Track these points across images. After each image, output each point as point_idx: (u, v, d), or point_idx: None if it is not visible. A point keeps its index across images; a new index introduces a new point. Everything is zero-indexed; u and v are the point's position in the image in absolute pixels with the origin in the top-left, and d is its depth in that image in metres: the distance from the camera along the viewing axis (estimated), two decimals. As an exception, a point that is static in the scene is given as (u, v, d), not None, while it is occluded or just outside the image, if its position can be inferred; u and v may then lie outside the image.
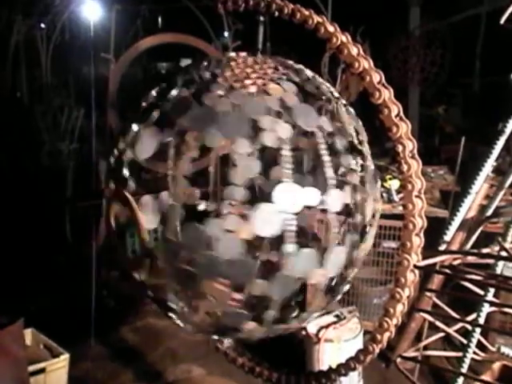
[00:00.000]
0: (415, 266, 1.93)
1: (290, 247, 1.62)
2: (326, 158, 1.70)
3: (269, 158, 1.91)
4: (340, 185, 1.72)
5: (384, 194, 4.58)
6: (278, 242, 1.66)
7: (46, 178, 6.93)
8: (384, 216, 3.98)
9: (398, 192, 4.57)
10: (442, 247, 3.46)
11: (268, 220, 1.59)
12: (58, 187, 6.71)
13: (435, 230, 3.40)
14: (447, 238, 3.55)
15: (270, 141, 1.64)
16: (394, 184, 4.65)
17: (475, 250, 2.84)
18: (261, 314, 1.74)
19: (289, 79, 1.80)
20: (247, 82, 1.75)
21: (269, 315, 1.73)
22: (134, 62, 6.23)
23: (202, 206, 2.22)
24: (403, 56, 8.33)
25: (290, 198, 1.60)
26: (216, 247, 1.59)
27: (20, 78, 8.10)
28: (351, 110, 1.95)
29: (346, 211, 1.76)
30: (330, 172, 1.69)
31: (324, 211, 1.69)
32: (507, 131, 3.40)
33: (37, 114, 7.57)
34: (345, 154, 1.78)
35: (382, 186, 4.59)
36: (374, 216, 1.89)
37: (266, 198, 1.62)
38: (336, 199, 1.69)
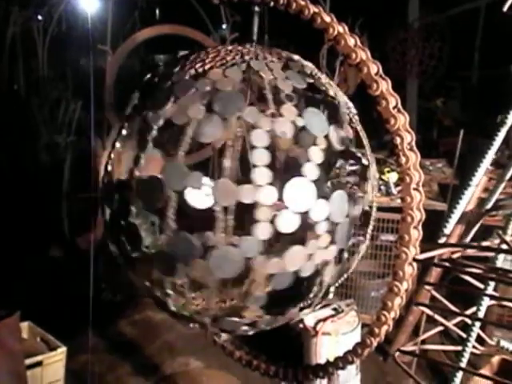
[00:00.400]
0: (414, 259, 1.92)
1: None
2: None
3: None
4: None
5: (382, 187, 4.57)
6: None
7: (42, 171, 6.91)
8: (382, 209, 3.97)
9: (396, 185, 4.56)
10: (442, 240, 3.45)
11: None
12: (54, 180, 6.68)
13: (433, 223, 3.39)
14: (447, 231, 3.54)
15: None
16: (392, 177, 4.64)
17: (475, 244, 2.82)
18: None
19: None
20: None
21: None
22: (132, 54, 6.19)
23: None
24: (402, 48, 8.29)
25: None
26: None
27: (17, 70, 8.05)
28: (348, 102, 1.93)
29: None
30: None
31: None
32: (508, 124, 3.38)
33: (34, 106, 7.54)
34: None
35: (380, 178, 4.57)
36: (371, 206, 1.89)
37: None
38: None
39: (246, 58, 1.77)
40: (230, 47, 1.83)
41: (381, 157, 5.03)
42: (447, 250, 2.23)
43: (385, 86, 1.93)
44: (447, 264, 2.12)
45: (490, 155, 3.39)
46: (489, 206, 3.32)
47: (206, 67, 1.71)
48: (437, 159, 5.63)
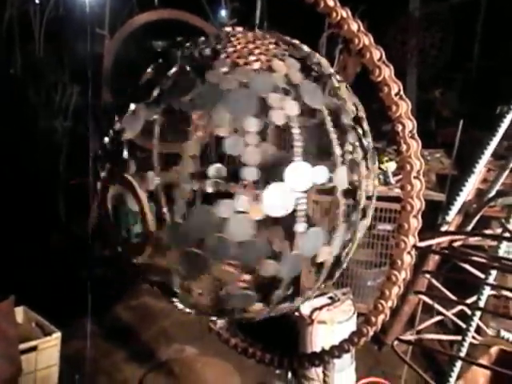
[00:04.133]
0: (415, 247, 1.90)
1: (300, 226, 1.60)
2: (333, 136, 1.66)
3: (276, 137, 1.88)
4: (346, 163, 1.69)
5: (380, 176, 4.56)
6: (287, 222, 1.63)
7: (39, 155, 6.86)
8: (380, 198, 3.94)
9: (395, 174, 4.55)
10: (443, 229, 3.44)
11: (280, 199, 1.56)
12: (51, 165, 6.64)
13: (431, 213, 3.38)
14: (449, 218, 3.51)
15: (278, 119, 1.59)
16: (391, 166, 4.62)
17: (477, 232, 2.80)
18: (269, 294, 1.72)
19: (291, 55, 1.75)
20: (251, 58, 1.69)
21: (277, 296, 1.72)
22: (130, 39, 6.13)
23: (210, 188, 2.18)
24: (402, 37, 8.24)
25: (301, 177, 1.58)
26: (227, 229, 1.56)
27: (14, 54, 7.97)
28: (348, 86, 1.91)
29: (351, 189, 1.73)
30: (337, 150, 1.66)
31: (323, 191, 1.66)
32: (510, 115, 3.35)
33: (30, 90, 7.46)
34: (349, 131, 1.74)
35: (379, 167, 4.55)
36: (371, 196, 1.87)
37: (278, 177, 1.59)
38: (343, 177, 1.67)
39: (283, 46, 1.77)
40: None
41: (380, 146, 5.00)
42: (449, 237, 2.21)
43: (387, 72, 1.90)
44: (448, 252, 2.10)
45: (492, 146, 3.37)
46: (491, 194, 3.30)
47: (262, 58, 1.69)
48: (435, 149, 5.61)
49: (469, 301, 2.86)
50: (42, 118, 7.27)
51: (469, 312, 2.84)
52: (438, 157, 5.34)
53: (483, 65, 9.44)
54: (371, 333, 2.22)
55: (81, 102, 7.02)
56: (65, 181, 6.51)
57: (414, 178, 1.89)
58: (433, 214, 3.73)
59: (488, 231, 2.80)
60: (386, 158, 4.66)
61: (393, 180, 4.56)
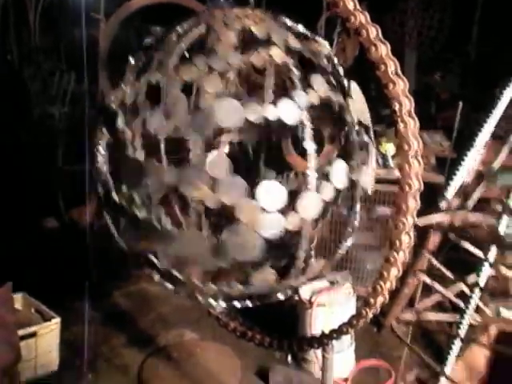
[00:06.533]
0: (415, 225, 1.88)
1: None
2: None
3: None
4: None
5: (379, 159, 4.52)
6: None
7: (36, 142, 6.82)
8: (379, 181, 3.92)
9: (394, 157, 4.51)
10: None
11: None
12: (48, 151, 6.61)
13: (430, 195, 3.36)
14: (448, 195, 3.47)
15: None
16: (390, 149, 4.59)
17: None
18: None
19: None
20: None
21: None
22: (126, 24, 6.05)
23: None
24: (400, 19, 8.15)
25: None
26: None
27: (9, 40, 7.90)
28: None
29: None
30: None
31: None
32: (505, 96, 3.33)
33: (27, 76, 7.41)
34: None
35: (378, 150, 4.52)
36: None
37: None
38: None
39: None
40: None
41: (378, 129, 4.96)
42: (448, 215, 2.19)
43: (384, 50, 1.87)
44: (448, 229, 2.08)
45: (488, 126, 3.35)
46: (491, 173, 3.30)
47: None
48: (434, 131, 5.56)
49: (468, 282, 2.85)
50: (40, 104, 7.22)
51: (468, 292, 2.82)
52: (437, 139, 5.30)
53: (483, 47, 9.35)
54: (370, 315, 2.22)
55: (78, 87, 6.97)
56: (62, 167, 6.47)
57: (412, 157, 1.87)
58: (432, 197, 3.70)
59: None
60: (384, 140, 4.62)
61: (392, 163, 4.53)
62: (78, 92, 6.91)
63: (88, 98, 5.49)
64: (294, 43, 1.80)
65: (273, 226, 1.69)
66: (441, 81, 9.28)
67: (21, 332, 3.45)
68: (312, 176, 1.72)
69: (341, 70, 1.96)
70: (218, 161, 1.67)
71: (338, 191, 1.79)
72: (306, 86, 1.74)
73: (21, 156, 6.52)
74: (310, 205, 1.71)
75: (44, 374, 3.74)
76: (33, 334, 3.66)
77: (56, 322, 3.78)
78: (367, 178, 1.90)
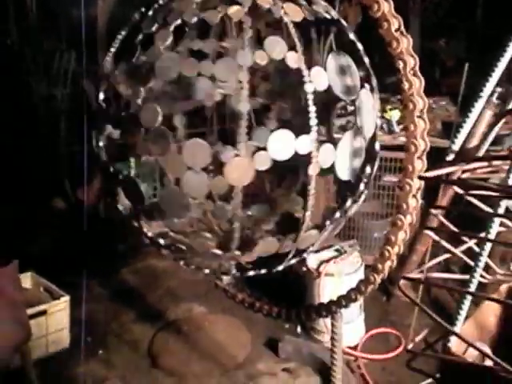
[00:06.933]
0: (421, 177, 1.83)
1: None
2: None
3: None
4: None
5: (384, 125, 4.46)
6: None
7: (39, 123, 6.79)
8: (384, 148, 3.87)
9: (399, 123, 4.45)
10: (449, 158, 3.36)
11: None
12: (51, 132, 6.57)
13: (437, 160, 3.30)
14: (455, 147, 3.41)
15: None
16: (395, 115, 4.52)
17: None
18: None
19: None
20: None
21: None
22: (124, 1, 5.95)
23: None
24: (403, -15, 7.98)
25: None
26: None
27: (8, 20, 7.80)
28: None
29: None
30: None
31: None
32: (506, 57, 3.27)
33: (27, 57, 7.33)
34: None
35: (382, 116, 4.45)
36: None
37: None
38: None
39: None
40: None
41: (383, 96, 4.88)
42: (457, 167, 2.13)
43: (386, 6, 1.81)
44: (456, 181, 2.03)
45: (489, 87, 3.29)
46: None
47: None
48: (440, 97, 5.47)
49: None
50: (41, 86, 7.16)
51: (477, 249, 2.78)
52: (443, 104, 5.22)
53: (487, 11, 9.16)
54: (378, 280, 2.19)
55: (78, 67, 6.89)
56: (66, 147, 6.44)
57: (418, 117, 1.82)
58: (439, 162, 3.64)
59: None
60: (389, 107, 4.56)
61: (397, 128, 4.47)
62: (79, 71, 6.84)
63: (87, 76, 5.43)
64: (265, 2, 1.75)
65: (197, 186, 1.70)
66: (445, 47, 9.12)
67: (31, 311, 3.46)
68: (242, 140, 1.67)
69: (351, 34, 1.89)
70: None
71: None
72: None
73: (25, 140, 6.49)
74: (237, 171, 1.67)
75: (55, 352, 3.76)
76: (43, 313, 3.67)
77: (65, 300, 3.79)
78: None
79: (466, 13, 9.43)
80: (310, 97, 1.68)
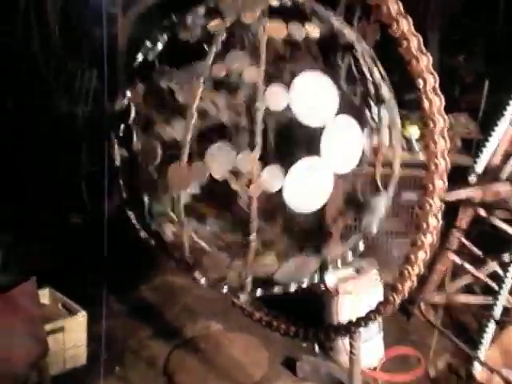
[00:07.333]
0: (443, 201, 1.81)
1: None
2: None
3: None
4: None
5: (404, 143, 4.42)
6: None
7: (61, 141, 6.86)
8: (404, 165, 3.83)
9: (418, 140, 4.41)
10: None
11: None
12: (72, 149, 6.64)
13: (458, 178, 3.27)
14: (478, 167, 3.34)
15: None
16: (414, 133, 4.47)
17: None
18: None
19: None
20: None
21: None
22: (145, 19, 6.03)
23: None
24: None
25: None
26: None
27: (31, 38, 7.93)
28: None
29: None
30: None
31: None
32: None
33: (49, 76, 7.44)
34: None
35: (402, 135, 4.41)
36: None
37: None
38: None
39: None
40: None
41: (402, 112, 4.85)
42: (479, 190, 2.10)
43: (406, 25, 1.80)
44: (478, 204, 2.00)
45: None
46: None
47: None
48: (459, 113, 5.42)
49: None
50: (63, 104, 7.25)
51: (501, 272, 2.72)
52: (463, 121, 5.16)
53: (507, 26, 9.10)
54: (398, 301, 2.16)
55: (100, 85, 6.97)
56: (86, 166, 6.49)
57: (438, 135, 1.80)
58: (460, 180, 3.60)
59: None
60: (408, 122, 4.50)
61: (416, 146, 4.42)
62: (101, 90, 6.92)
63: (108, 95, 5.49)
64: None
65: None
66: (464, 63, 9.08)
67: (48, 326, 3.48)
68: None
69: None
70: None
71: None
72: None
73: (47, 157, 6.56)
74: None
75: (72, 368, 3.76)
76: (60, 329, 3.68)
77: (83, 315, 3.81)
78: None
79: (486, 28, 9.40)
80: (259, 114, 1.67)
